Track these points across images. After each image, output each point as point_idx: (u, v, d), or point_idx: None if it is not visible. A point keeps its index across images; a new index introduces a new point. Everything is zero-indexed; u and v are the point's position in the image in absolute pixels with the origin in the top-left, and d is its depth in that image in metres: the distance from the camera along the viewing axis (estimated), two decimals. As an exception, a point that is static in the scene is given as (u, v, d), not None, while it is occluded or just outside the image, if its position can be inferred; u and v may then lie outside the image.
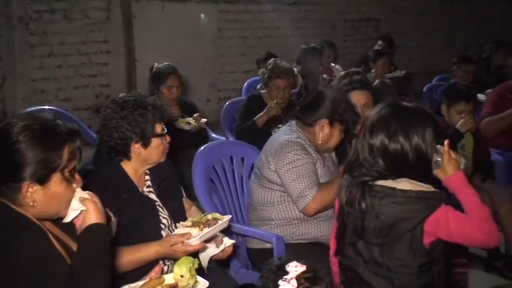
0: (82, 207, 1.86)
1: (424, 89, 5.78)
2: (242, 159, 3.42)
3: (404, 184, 2.11)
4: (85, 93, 7.54)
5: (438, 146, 2.16)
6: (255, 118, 4.53)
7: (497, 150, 4.35)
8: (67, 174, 1.83)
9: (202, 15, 8.69)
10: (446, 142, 2.17)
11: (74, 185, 1.87)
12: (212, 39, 8.87)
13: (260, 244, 2.95)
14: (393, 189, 2.10)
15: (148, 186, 2.57)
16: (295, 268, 1.61)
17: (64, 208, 1.86)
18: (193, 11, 8.57)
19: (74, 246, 1.89)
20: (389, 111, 2.17)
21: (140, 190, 2.52)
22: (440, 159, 2.17)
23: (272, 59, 4.91)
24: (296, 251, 2.80)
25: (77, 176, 1.88)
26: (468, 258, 3.56)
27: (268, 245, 2.85)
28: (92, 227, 1.84)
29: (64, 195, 1.84)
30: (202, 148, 3.26)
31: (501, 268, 3.85)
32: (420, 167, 2.13)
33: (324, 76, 7.00)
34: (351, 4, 10.46)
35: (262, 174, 3.00)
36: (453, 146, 3.78)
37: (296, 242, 2.92)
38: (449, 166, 2.17)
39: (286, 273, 1.60)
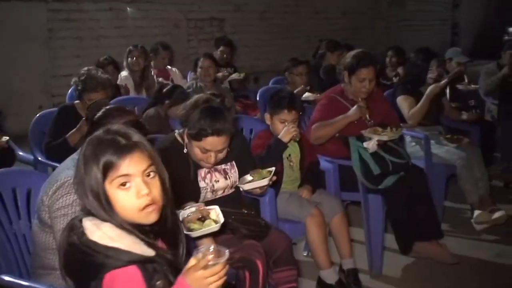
0: None
1: (258, 93, 5.52)
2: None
3: (102, 228, 1.77)
4: None
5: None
6: (67, 135, 3.98)
7: (327, 158, 4.15)
8: None
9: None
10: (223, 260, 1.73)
11: None
12: (42, 40, 8.20)
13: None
14: (79, 228, 1.79)
15: None
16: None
17: None
18: (19, 10, 7.86)
19: None
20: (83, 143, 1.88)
21: None
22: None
23: (86, 68, 4.36)
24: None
25: None
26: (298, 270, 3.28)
27: (52, 298, 2.37)
28: None
29: None
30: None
31: (334, 286, 3.63)
32: (100, 209, 1.78)
33: (160, 79, 6.62)
34: (193, 2, 10.18)
35: (40, 215, 2.51)
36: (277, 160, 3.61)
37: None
38: (193, 275, 1.70)
39: None
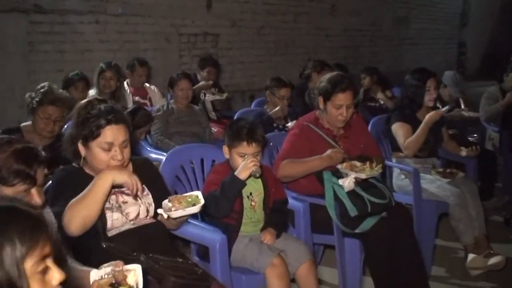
0: None
1: (236, 116, 5.05)
2: None
3: None
4: None
5: None
6: None
7: (300, 195, 3.66)
8: None
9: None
10: None
11: None
12: (21, 54, 7.77)
13: None
14: None
15: None
16: None
17: None
18: (-4, 22, 7.46)
19: None
20: None
21: None
22: None
23: (47, 83, 4.00)
24: None
25: None
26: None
27: None
28: None
29: None
30: None
31: None
32: None
33: (136, 98, 6.19)
34: (186, 17, 9.73)
35: None
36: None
37: None
38: None
39: None
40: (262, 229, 3.26)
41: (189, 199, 2.66)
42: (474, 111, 6.03)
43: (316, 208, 3.59)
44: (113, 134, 2.58)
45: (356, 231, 3.46)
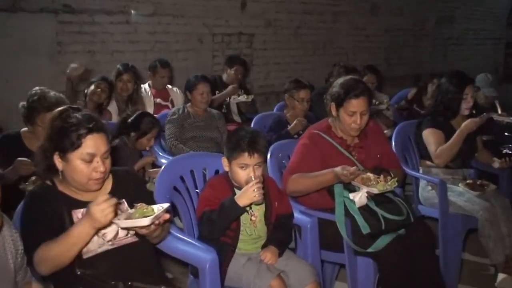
0: None
1: (254, 120, 4.82)
2: None
3: None
4: None
5: None
6: (2, 172, 3.38)
7: (308, 209, 3.38)
8: None
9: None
10: None
11: None
12: (49, 55, 7.68)
13: None
14: None
15: None
16: None
17: None
18: (26, 22, 7.38)
19: None
20: None
21: None
22: None
23: (37, 88, 3.82)
24: None
25: None
26: None
27: None
28: None
29: None
30: None
31: None
32: None
33: (158, 100, 6.01)
34: (219, 17, 9.53)
35: None
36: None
37: None
38: None
39: None
40: (263, 247, 3.01)
41: (145, 210, 2.34)
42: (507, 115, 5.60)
43: (326, 223, 3.30)
44: (95, 144, 2.39)
45: (369, 250, 3.16)
